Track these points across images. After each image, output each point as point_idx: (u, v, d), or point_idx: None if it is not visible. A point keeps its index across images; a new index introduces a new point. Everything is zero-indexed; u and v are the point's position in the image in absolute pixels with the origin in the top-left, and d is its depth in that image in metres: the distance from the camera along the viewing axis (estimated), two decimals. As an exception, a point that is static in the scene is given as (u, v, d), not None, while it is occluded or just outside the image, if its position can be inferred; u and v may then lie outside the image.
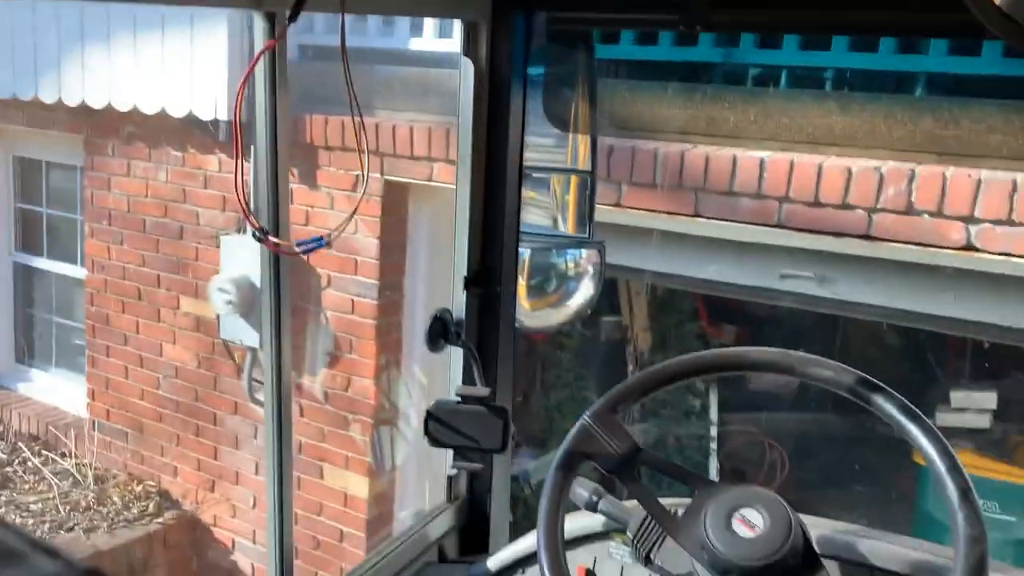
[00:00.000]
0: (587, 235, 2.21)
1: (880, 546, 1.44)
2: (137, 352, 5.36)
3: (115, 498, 5.21)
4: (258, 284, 4.23)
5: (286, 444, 1.42)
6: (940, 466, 1.26)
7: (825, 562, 1.44)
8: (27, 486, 5.33)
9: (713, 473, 5.40)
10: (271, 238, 1.21)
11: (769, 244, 3.53)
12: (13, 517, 5.00)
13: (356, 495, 4.63)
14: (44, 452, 5.66)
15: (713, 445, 5.65)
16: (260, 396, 4.88)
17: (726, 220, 3.40)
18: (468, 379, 1.82)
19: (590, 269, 2.30)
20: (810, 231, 3.24)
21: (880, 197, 3.06)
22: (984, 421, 4.75)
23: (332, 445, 4.64)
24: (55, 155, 5.89)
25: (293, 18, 1.22)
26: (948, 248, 3.02)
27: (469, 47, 1.70)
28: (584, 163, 2.20)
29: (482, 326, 1.86)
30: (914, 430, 1.31)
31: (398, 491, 4.78)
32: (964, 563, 1.18)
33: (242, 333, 4.63)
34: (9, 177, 6.34)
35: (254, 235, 1.23)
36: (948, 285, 3.36)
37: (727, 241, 3.60)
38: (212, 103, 4.43)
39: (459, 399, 1.70)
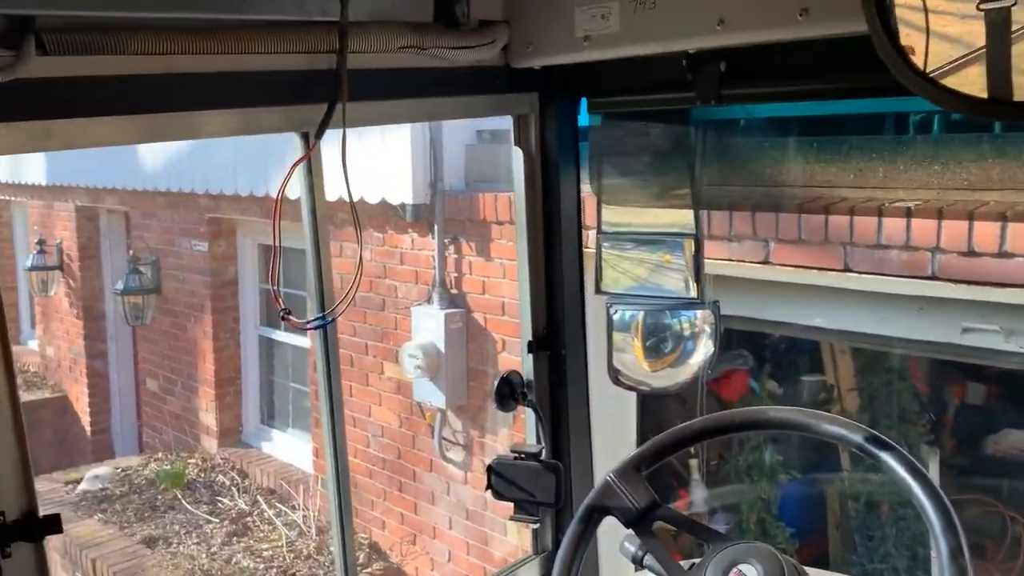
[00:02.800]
0: (696, 296, 2.28)
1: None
2: (350, 413, 5.95)
3: (331, 548, 5.76)
4: (443, 350, 4.60)
5: (346, 505, 1.65)
6: (936, 524, 1.25)
7: None
8: (262, 534, 6.04)
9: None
10: (291, 317, 1.46)
11: (945, 298, 3.34)
12: (248, 562, 5.69)
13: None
14: (278, 504, 6.38)
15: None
16: (451, 454, 5.24)
17: (876, 274, 3.27)
18: (536, 437, 1.97)
19: (706, 328, 2.36)
20: (967, 282, 3.04)
21: (1041, 242, 2.83)
22: None
23: (514, 503, 4.85)
24: (288, 241, 6.75)
25: (319, 136, 1.49)
26: None
27: (519, 138, 1.90)
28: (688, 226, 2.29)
29: (551, 385, 2.00)
30: (916, 487, 1.29)
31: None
32: None
33: (431, 395, 5.03)
34: (256, 261, 7.36)
35: (280, 314, 1.48)
36: None
37: (901, 296, 3.45)
38: (400, 190, 4.94)
39: (515, 455, 1.85)
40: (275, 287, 1.56)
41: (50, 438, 8.94)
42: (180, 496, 6.62)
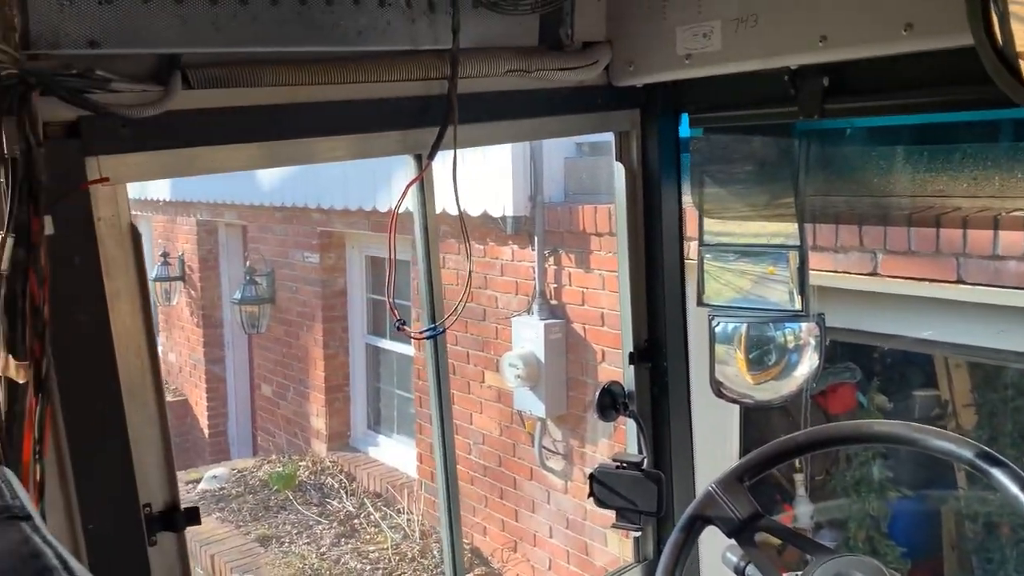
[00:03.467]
0: (801, 308, 2.27)
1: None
2: (453, 421, 6.07)
3: (435, 552, 5.90)
4: (543, 360, 4.66)
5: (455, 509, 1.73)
6: None
7: None
8: (368, 536, 6.23)
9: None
10: (405, 327, 1.55)
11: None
12: (355, 563, 5.88)
13: (638, 564, 4.79)
14: (384, 508, 6.58)
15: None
16: (551, 463, 5.29)
17: (992, 286, 3.15)
18: (637, 447, 2.00)
19: (811, 341, 2.35)
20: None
21: None
22: None
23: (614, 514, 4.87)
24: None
25: (431, 158, 1.58)
26: None
27: (621, 153, 1.95)
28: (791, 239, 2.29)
29: (653, 396, 2.04)
30: None
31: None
32: None
33: (531, 404, 5.10)
34: (363, 273, 7.62)
35: (395, 325, 1.57)
36: None
37: (1019, 308, 3.32)
38: (501, 203, 5.05)
39: (616, 464, 1.89)
40: (390, 299, 1.65)
41: (172, 439, 9.44)
42: (292, 497, 6.90)
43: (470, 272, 1.79)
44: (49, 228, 1.17)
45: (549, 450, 5.25)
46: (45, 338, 1.17)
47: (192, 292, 9.62)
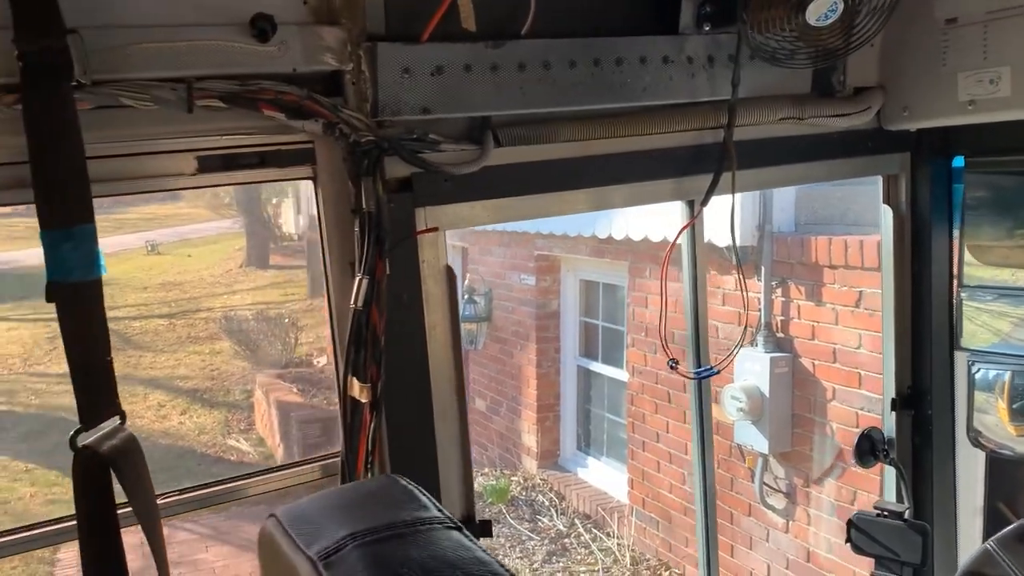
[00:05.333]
0: (1077, 358, 2.14)
1: None
2: (667, 449, 6.07)
3: (652, 578, 5.90)
4: (767, 394, 4.57)
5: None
6: None
7: None
8: (579, 557, 6.34)
9: None
10: (679, 367, 1.62)
11: None
12: (566, 581, 6.00)
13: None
14: (593, 530, 6.66)
15: None
16: (772, 501, 5.16)
17: None
18: (896, 495, 1.96)
19: (1088, 394, 2.20)
20: None
21: None
22: None
23: (838, 558, 4.67)
24: (607, 278, 7.13)
25: (704, 203, 1.65)
26: None
27: (889, 196, 1.93)
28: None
29: (914, 445, 1.99)
30: None
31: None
32: None
33: (753, 438, 5.00)
34: (576, 296, 7.80)
35: (669, 363, 1.65)
36: None
37: None
38: (726, 231, 5.00)
39: (877, 512, 1.86)
40: (663, 340, 1.74)
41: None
42: (504, 511, 7.15)
43: (747, 318, 1.83)
44: (387, 269, 1.36)
45: (770, 487, 5.12)
46: (381, 364, 1.35)
47: (415, 309, 10.22)
